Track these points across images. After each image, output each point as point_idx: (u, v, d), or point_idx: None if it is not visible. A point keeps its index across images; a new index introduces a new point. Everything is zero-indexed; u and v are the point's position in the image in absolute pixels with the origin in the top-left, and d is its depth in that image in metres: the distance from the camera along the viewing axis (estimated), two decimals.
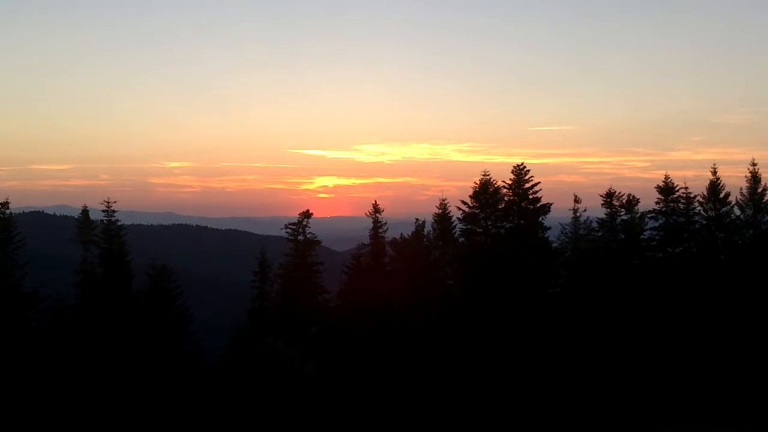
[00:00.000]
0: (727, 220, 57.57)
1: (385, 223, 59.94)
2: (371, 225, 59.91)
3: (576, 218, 59.38)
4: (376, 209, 59.73)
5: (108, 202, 53.92)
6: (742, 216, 57.40)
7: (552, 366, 52.74)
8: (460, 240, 59.42)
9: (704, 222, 57.89)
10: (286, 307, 56.77)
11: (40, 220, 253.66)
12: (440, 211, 59.23)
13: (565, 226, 60.14)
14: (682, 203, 58.21)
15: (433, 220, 59.27)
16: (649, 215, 58.46)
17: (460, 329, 55.07)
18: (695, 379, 51.27)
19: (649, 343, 53.09)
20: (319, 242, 60.60)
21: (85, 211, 53.95)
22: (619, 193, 58.36)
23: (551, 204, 58.75)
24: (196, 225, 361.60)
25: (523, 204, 58.43)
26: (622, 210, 58.29)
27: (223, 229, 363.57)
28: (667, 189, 58.50)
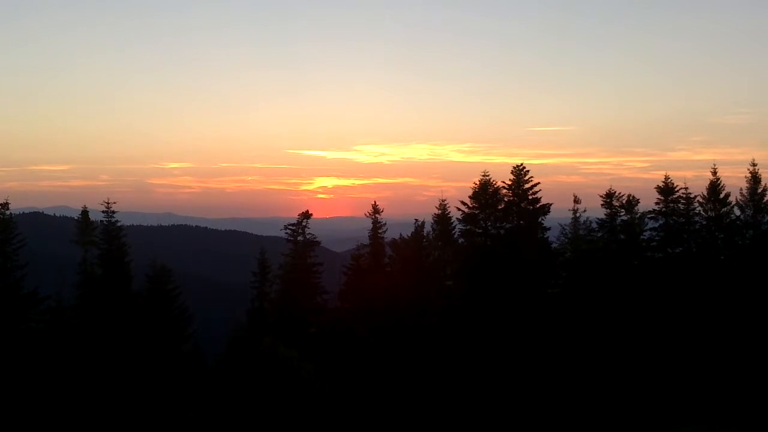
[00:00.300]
0: (727, 220, 57.54)
1: (385, 223, 59.99)
2: (371, 225, 59.94)
3: (576, 219, 59.30)
4: (376, 210, 59.74)
5: (108, 203, 53.91)
6: (742, 216, 57.39)
7: (552, 366, 52.72)
8: (460, 240, 59.39)
9: (704, 222, 57.87)
10: (286, 308, 56.72)
11: (39, 221, 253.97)
12: (440, 211, 59.23)
13: (565, 227, 60.06)
14: (682, 204, 58.19)
15: (432, 221, 59.29)
16: (648, 216, 58.44)
17: (460, 330, 55.04)
18: (696, 380, 51.25)
19: (649, 344, 53.06)
20: (318, 243, 60.58)
21: (84, 212, 53.90)
22: (619, 193, 58.42)
23: (551, 204, 58.79)
24: (196, 226, 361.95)
25: (522, 204, 58.42)
26: (622, 210, 58.27)
27: (223, 229, 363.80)
28: (667, 189, 58.49)
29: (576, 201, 59.09)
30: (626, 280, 55.78)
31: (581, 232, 59.27)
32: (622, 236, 58.28)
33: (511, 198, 58.61)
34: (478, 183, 58.73)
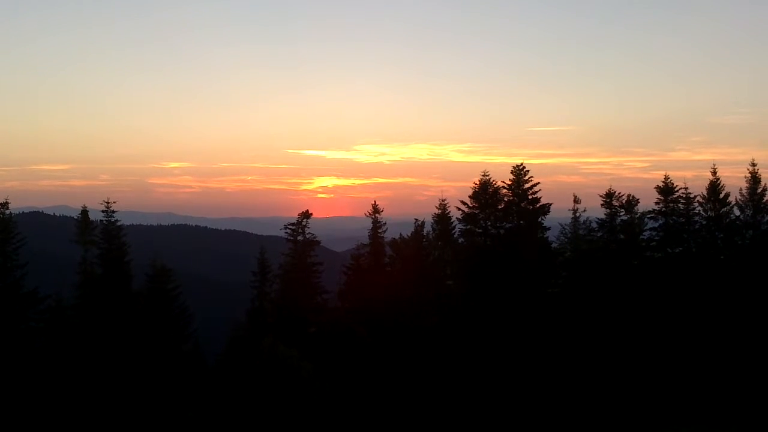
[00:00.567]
0: (727, 220, 57.59)
1: (385, 223, 59.98)
2: (371, 225, 59.92)
3: (575, 218, 59.32)
4: (376, 209, 59.73)
5: (107, 203, 53.84)
6: (741, 216, 57.45)
7: (552, 366, 52.74)
8: (460, 240, 59.42)
9: (704, 222, 57.91)
10: (286, 308, 56.70)
11: (39, 221, 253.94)
12: (440, 211, 59.25)
13: (565, 227, 60.08)
14: (682, 203, 58.24)
15: (432, 221, 59.32)
16: (648, 215, 58.48)
17: (460, 329, 55.06)
18: (695, 380, 51.27)
19: (649, 344, 53.09)
20: (318, 242, 60.56)
21: (84, 212, 53.85)
22: (619, 193, 58.50)
23: (551, 204, 58.88)
24: (196, 225, 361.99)
25: (522, 204, 58.46)
26: (622, 210, 58.30)
27: (223, 229, 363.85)
28: (666, 189, 58.53)
29: (576, 201, 59.20)
30: (626, 280, 55.81)
31: (581, 231, 59.30)
32: (621, 236, 58.31)
33: (511, 198, 58.65)
34: (478, 183, 58.79)
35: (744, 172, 57.82)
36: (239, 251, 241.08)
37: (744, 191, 57.38)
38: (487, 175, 58.85)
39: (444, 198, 59.53)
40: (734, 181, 59.17)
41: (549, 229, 59.41)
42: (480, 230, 58.65)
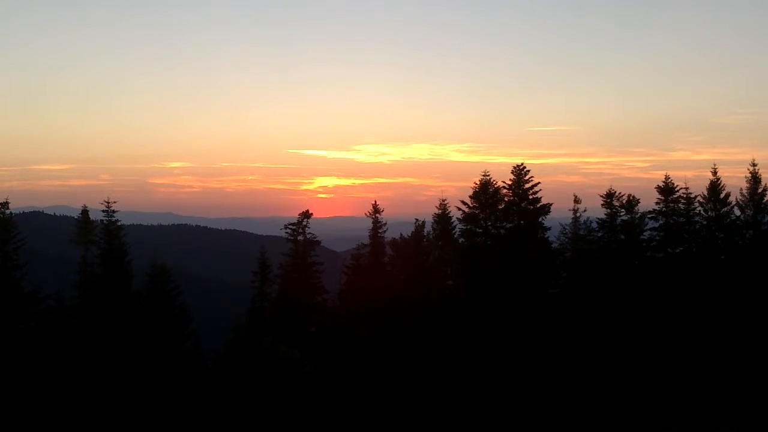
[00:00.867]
0: (728, 220, 57.59)
1: (385, 223, 59.99)
2: (371, 225, 59.92)
3: (576, 218, 59.31)
4: (376, 209, 59.72)
5: (108, 202, 53.85)
6: (742, 216, 57.45)
7: (552, 366, 52.73)
8: (460, 240, 59.39)
9: (704, 222, 57.91)
10: (286, 308, 56.70)
11: (40, 220, 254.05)
12: (440, 211, 59.22)
13: (565, 227, 60.07)
14: (683, 203, 58.23)
15: (432, 221, 59.27)
16: (649, 215, 58.47)
17: (460, 329, 55.04)
18: (695, 380, 51.26)
19: (649, 344, 53.08)
20: (318, 242, 60.60)
21: (84, 212, 53.88)
22: (619, 193, 58.51)
23: (551, 204, 58.85)
24: (196, 225, 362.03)
25: (523, 204, 58.44)
26: (622, 210, 58.28)
27: (223, 229, 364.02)
28: (667, 189, 58.52)
29: (576, 201, 59.19)
30: (626, 280, 55.79)
31: (581, 231, 59.29)
32: (622, 236, 58.28)
33: (512, 198, 58.63)
34: (478, 183, 58.77)
35: (744, 172, 57.96)
36: (239, 251, 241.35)
37: (744, 191, 57.40)
38: (488, 175, 58.92)
39: (444, 198, 59.61)
40: (735, 181, 59.24)
41: (549, 229, 59.41)
42: (480, 230, 58.62)
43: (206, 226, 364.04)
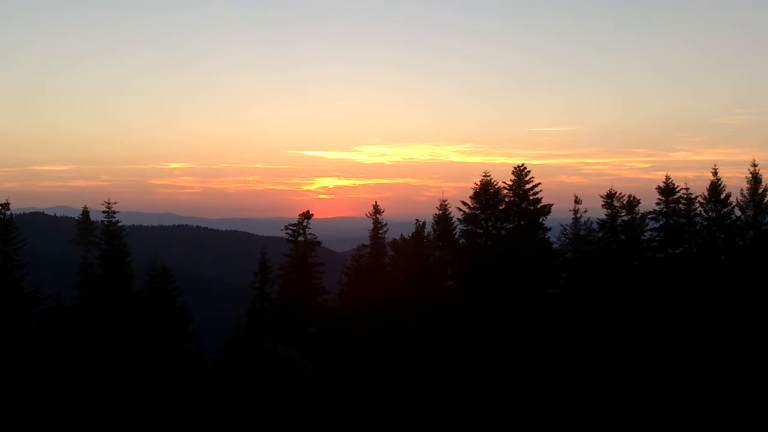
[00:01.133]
0: (728, 221, 57.55)
1: (386, 223, 59.95)
2: (371, 226, 59.89)
3: (576, 219, 59.24)
4: (377, 210, 59.72)
5: (108, 203, 53.87)
6: (742, 217, 57.41)
7: (552, 367, 52.71)
8: (461, 241, 59.34)
9: (705, 223, 57.88)
10: (286, 308, 56.70)
11: (40, 221, 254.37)
12: (440, 211, 59.19)
13: (566, 227, 60.01)
14: (683, 204, 58.20)
15: (433, 221, 59.24)
16: (649, 216, 58.43)
17: (461, 330, 55.02)
18: (695, 380, 51.24)
19: (650, 344, 53.06)
20: (319, 243, 60.56)
21: (85, 212, 53.91)
22: (620, 193, 58.42)
23: (552, 205, 58.81)
24: (197, 226, 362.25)
25: (523, 205, 58.41)
26: (623, 211, 58.24)
27: (223, 229, 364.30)
28: (667, 190, 58.50)
29: (577, 201, 59.06)
30: (627, 280, 55.77)
31: (582, 232, 59.23)
32: (622, 236, 58.25)
33: (512, 198, 58.60)
34: (479, 183, 58.74)
35: (745, 173, 57.86)
36: (240, 252, 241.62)
37: (745, 192, 57.34)
38: (488, 176, 58.87)
39: (445, 198, 59.57)
40: (735, 182, 59.24)
41: (550, 229, 59.37)
42: (481, 231, 58.58)
43: (207, 227, 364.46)
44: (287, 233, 59.08)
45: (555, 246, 59.59)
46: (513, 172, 58.97)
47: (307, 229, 58.83)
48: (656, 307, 54.17)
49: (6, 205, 50.60)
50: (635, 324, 53.80)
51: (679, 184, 58.50)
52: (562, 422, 49.93)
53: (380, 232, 59.62)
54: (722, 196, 57.60)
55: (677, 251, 58.18)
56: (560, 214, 60.38)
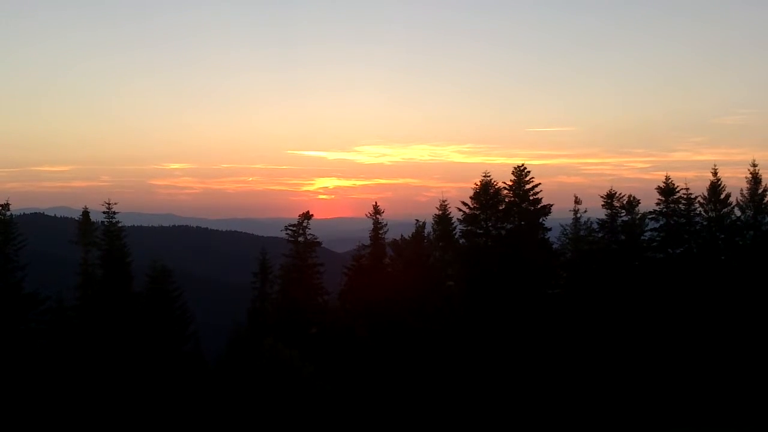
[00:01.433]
0: (728, 221, 57.57)
1: (386, 224, 59.99)
2: (371, 226, 59.93)
3: (576, 219, 59.27)
4: (377, 210, 59.75)
5: (108, 204, 53.85)
6: (742, 217, 57.44)
7: (552, 367, 52.72)
8: (461, 241, 59.37)
9: (705, 223, 57.90)
10: (286, 308, 56.73)
11: (40, 222, 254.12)
12: (440, 212, 59.21)
13: (566, 227, 60.05)
14: (683, 204, 58.22)
15: (433, 221, 59.27)
16: (649, 216, 58.45)
17: (461, 330, 55.03)
18: (695, 381, 51.26)
19: (650, 345, 53.07)
20: (319, 243, 60.58)
21: (85, 213, 53.90)
22: (620, 194, 58.46)
23: (552, 205, 58.83)
24: (197, 226, 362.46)
25: (523, 205, 58.42)
26: (623, 211, 58.27)
27: (224, 230, 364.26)
28: (667, 190, 58.52)
29: (577, 201, 59.10)
30: (627, 280, 55.79)
31: (582, 232, 59.25)
32: (622, 237, 58.27)
33: (512, 198, 58.61)
34: (479, 183, 58.74)
35: (745, 173, 57.93)
36: (240, 252, 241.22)
37: (745, 192, 57.39)
38: (488, 176, 58.87)
39: (445, 199, 59.59)
40: (735, 182, 59.27)
41: (550, 229, 59.36)
42: (481, 231, 58.59)
43: (207, 228, 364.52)
44: (287, 234, 59.11)
45: (555, 246, 59.62)
46: (513, 173, 59.00)
47: (307, 230, 58.87)
48: (656, 308, 54.17)
49: (6, 206, 50.60)
50: (635, 324, 53.80)
51: (679, 184, 58.67)
52: (563, 422, 49.96)
53: (380, 232, 59.65)
54: (722, 196, 57.63)
55: (677, 251, 58.20)
56: (560, 214, 60.49)
